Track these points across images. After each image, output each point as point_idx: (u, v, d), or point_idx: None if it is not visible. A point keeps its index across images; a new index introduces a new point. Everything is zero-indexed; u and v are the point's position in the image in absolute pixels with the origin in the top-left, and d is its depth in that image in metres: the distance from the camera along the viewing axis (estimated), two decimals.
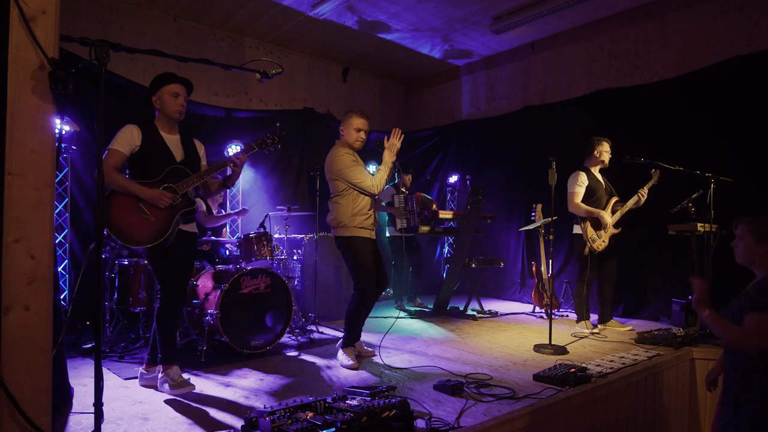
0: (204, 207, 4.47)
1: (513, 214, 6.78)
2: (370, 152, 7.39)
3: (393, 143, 3.55)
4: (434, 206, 6.13)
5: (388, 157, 3.55)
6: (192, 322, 3.90)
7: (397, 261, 6.24)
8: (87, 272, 4.74)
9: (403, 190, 6.15)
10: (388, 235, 6.26)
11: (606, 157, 4.67)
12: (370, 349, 3.82)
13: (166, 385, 2.84)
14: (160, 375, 2.90)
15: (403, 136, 3.57)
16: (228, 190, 5.99)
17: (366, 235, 3.58)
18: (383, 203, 6.16)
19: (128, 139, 2.81)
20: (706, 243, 4.31)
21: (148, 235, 2.75)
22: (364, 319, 3.70)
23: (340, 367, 3.48)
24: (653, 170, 4.56)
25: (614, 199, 4.68)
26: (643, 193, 4.53)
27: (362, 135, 3.65)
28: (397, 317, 5.32)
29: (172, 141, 2.99)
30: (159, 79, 2.91)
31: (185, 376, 3.03)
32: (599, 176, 4.73)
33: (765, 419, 2.04)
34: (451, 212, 5.76)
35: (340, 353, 3.59)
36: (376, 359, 3.69)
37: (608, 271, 4.71)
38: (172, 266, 2.94)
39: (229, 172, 3.13)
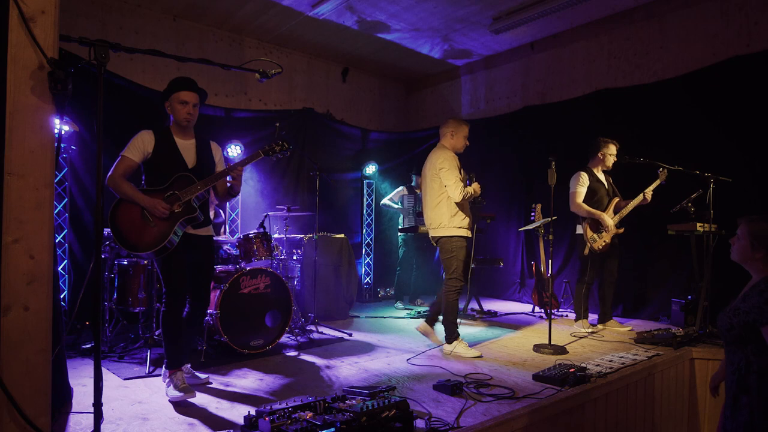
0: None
1: (513, 214, 6.78)
2: (373, 151, 7.41)
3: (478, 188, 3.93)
4: None
5: (476, 188, 3.92)
6: None
7: (403, 260, 6.25)
8: (85, 274, 4.75)
9: (418, 191, 6.18)
10: (399, 234, 6.27)
11: (610, 160, 4.66)
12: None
13: (170, 388, 2.81)
14: (166, 379, 2.90)
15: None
16: None
17: (464, 234, 3.90)
18: (395, 203, 6.17)
19: (140, 146, 2.85)
20: (706, 243, 4.31)
21: (146, 241, 2.76)
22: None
23: (341, 367, 3.48)
24: (660, 169, 4.54)
25: (616, 200, 4.68)
26: (648, 193, 4.53)
27: (467, 142, 4.09)
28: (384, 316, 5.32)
29: (186, 146, 2.99)
30: (170, 86, 2.93)
31: (203, 376, 3.14)
32: (602, 177, 4.73)
33: (760, 422, 2.04)
34: None
35: (451, 346, 3.85)
36: (376, 360, 3.69)
37: (609, 271, 4.71)
38: (180, 271, 2.91)
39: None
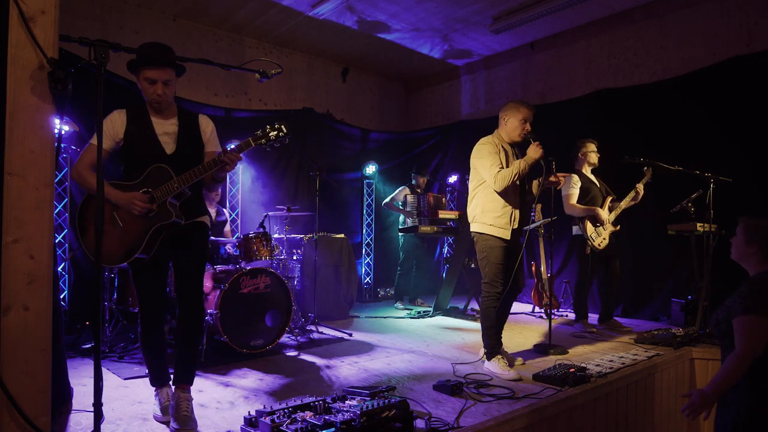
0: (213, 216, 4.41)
1: None
2: (373, 151, 7.41)
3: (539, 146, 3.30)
4: (444, 201, 6.10)
5: (533, 151, 3.25)
6: None
7: (404, 260, 6.25)
8: (85, 274, 4.76)
9: (419, 190, 6.18)
10: (400, 234, 6.28)
11: (593, 157, 4.73)
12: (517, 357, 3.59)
13: (155, 404, 2.60)
14: (154, 393, 2.64)
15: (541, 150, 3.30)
16: (228, 189, 5.99)
17: (497, 233, 3.34)
18: (397, 203, 6.16)
19: (108, 130, 2.40)
20: (706, 243, 4.31)
21: (115, 250, 2.35)
22: (501, 321, 3.53)
23: (341, 367, 3.48)
24: (645, 168, 4.57)
25: (610, 198, 4.70)
26: (640, 188, 4.55)
27: (528, 126, 3.40)
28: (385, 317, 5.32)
29: (165, 128, 2.50)
30: (136, 58, 2.36)
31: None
32: (592, 177, 4.78)
33: (746, 421, 2.05)
34: (451, 212, 5.76)
35: (488, 363, 3.37)
36: (376, 360, 3.69)
37: (610, 271, 4.73)
38: (154, 283, 2.54)
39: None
